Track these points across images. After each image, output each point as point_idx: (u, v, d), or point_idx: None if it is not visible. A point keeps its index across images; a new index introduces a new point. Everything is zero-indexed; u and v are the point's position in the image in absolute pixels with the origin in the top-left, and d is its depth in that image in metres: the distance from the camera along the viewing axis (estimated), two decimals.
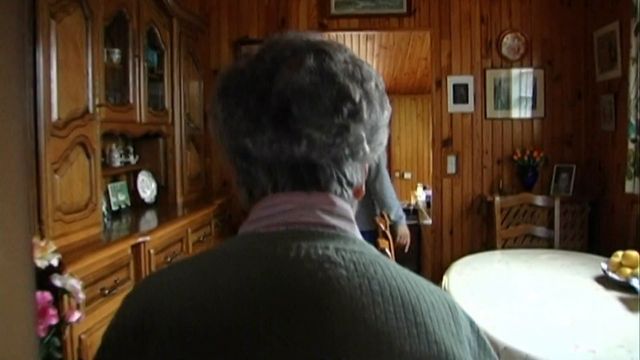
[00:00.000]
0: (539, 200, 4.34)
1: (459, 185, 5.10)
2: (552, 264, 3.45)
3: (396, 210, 4.18)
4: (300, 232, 0.78)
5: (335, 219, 0.80)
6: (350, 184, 0.83)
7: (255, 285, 0.72)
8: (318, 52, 0.80)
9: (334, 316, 0.69)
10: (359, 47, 6.98)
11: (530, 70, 5.03)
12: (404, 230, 4.26)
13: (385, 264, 0.77)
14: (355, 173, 0.84)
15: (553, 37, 4.98)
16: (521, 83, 5.03)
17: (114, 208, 3.73)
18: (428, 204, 5.79)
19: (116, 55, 3.51)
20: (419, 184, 6.89)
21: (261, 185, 0.82)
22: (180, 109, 4.34)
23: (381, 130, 0.84)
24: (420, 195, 6.61)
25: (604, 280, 2.96)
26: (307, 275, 0.72)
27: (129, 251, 2.96)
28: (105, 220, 3.39)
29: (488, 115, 5.06)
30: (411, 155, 8.88)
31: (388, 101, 0.85)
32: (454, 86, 5.04)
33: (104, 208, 3.41)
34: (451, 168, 5.09)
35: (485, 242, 5.06)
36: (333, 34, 6.02)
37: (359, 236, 0.83)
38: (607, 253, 3.74)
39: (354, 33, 6.25)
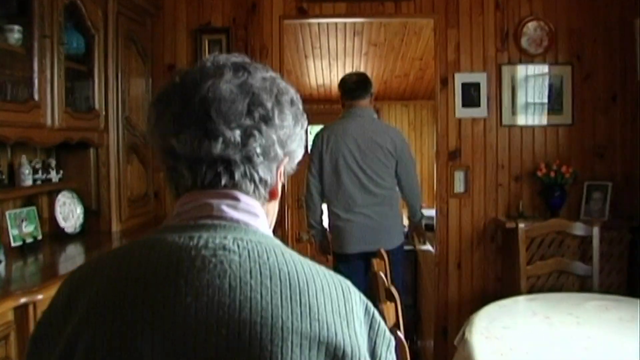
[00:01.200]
0: (577, 229, 3.44)
1: (468, 207, 4.18)
2: (606, 318, 2.70)
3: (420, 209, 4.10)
4: (205, 225, 0.89)
5: (239, 213, 0.91)
6: (263, 182, 0.94)
7: (157, 267, 0.83)
8: (239, 68, 0.94)
9: (222, 294, 0.80)
10: (345, 44, 6.08)
11: (555, 66, 4.12)
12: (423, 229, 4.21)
13: (281, 252, 0.87)
14: (269, 172, 0.94)
15: (583, 26, 4.08)
16: (544, 82, 4.12)
17: (15, 244, 2.75)
18: (425, 225, 4.87)
19: (15, 34, 2.55)
20: None
21: (184, 180, 0.93)
22: (116, 111, 3.36)
23: (296, 142, 0.98)
24: None
25: None
26: (202, 260, 0.83)
27: (10, 317, 1.99)
28: None
29: (504, 122, 4.13)
30: None
31: (304, 117, 1.00)
32: (463, 85, 4.10)
33: None
34: (459, 186, 4.16)
35: (500, 278, 4.14)
36: (315, 22, 5.11)
37: (264, 229, 0.94)
38: None
39: (340, 24, 5.34)
